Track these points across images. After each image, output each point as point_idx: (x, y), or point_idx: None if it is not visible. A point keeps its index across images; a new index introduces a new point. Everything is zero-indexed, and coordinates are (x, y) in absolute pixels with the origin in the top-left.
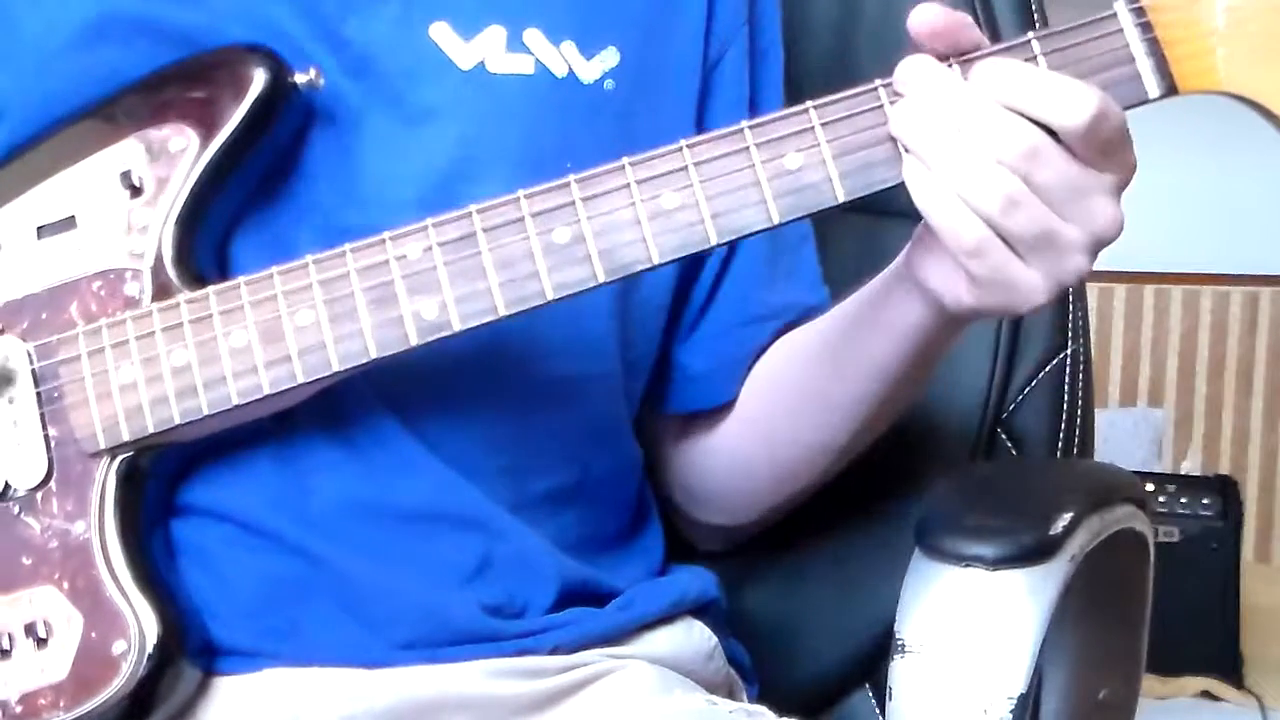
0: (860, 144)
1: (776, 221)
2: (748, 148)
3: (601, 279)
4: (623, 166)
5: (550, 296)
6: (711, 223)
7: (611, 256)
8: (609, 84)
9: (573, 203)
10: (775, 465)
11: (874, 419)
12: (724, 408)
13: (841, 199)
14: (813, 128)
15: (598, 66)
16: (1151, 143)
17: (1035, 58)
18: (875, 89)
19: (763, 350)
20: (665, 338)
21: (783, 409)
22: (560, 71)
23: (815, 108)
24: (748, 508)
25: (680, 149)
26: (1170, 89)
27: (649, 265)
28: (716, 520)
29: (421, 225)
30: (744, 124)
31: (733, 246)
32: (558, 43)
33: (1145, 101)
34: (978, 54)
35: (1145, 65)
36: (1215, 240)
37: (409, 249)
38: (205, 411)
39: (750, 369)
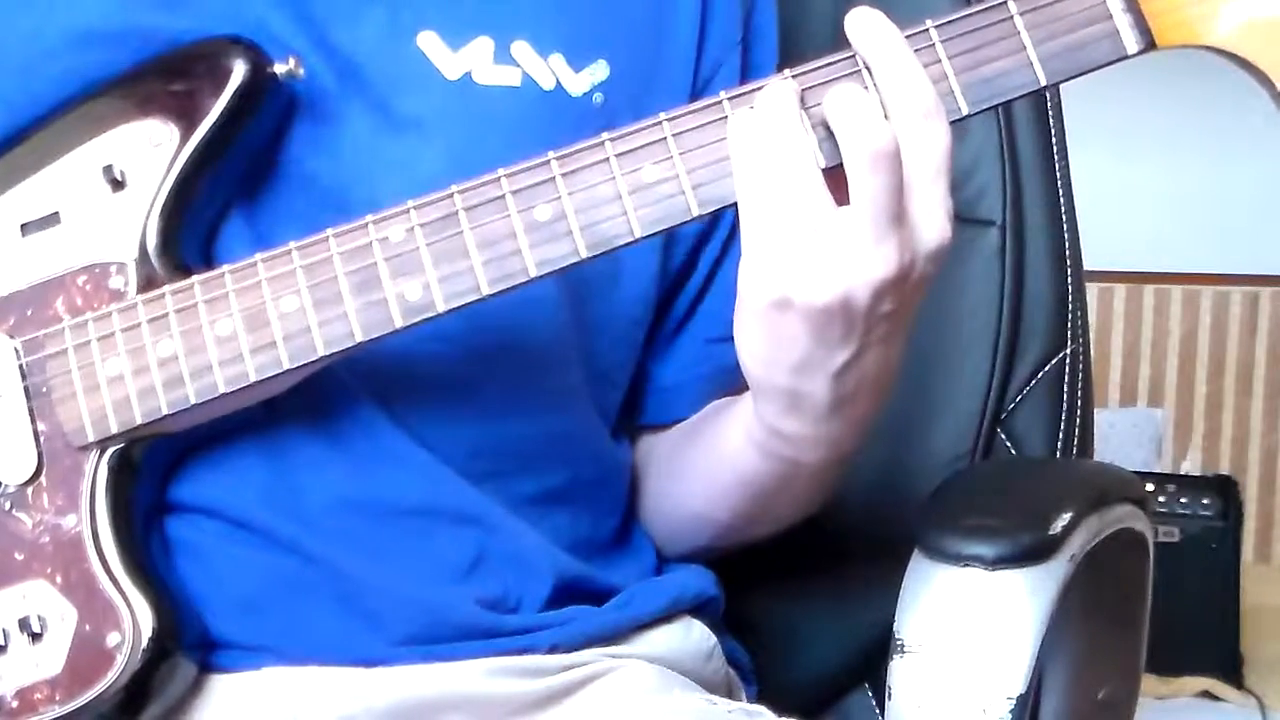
0: None
1: None
2: (727, 118)
3: (584, 254)
4: (602, 142)
5: (533, 274)
6: (693, 194)
7: (593, 232)
8: (598, 97)
9: (553, 179)
10: (670, 510)
11: (739, 510)
12: (670, 428)
13: (822, 166)
14: None
15: (586, 79)
16: (1151, 143)
17: (1011, 18)
18: (853, 55)
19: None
20: (647, 350)
21: (675, 458)
22: (548, 84)
23: (794, 76)
24: (670, 540)
25: (660, 122)
26: (1149, 44)
27: (631, 239)
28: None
29: (403, 208)
30: (722, 94)
31: (720, 260)
32: (546, 55)
33: (1125, 57)
34: (949, 18)
35: (1123, 21)
36: (1215, 240)
37: (391, 231)
38: (192, 400)
39: (718, 389)
